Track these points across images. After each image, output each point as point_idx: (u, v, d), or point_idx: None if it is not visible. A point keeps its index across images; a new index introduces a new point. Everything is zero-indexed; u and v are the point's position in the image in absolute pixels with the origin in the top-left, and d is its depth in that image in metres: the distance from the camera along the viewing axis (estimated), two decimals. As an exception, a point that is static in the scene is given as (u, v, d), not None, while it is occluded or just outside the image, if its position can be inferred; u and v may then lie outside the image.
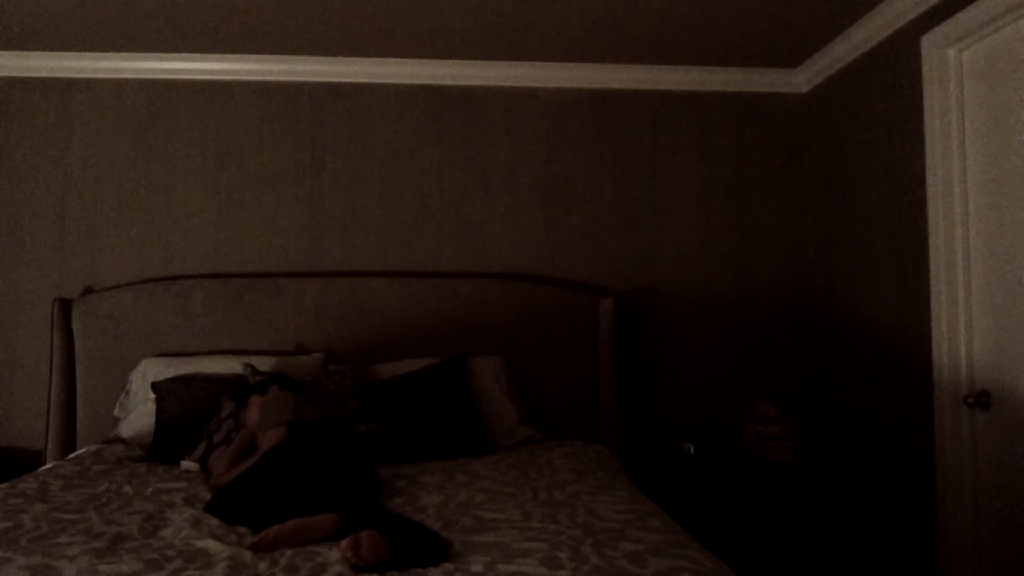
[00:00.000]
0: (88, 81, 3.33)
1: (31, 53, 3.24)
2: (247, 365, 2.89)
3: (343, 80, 3.39)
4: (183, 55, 3.29)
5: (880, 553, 2.92)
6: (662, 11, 2.84)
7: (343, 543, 1.59)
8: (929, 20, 2.57)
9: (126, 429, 2.91)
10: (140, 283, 3.24)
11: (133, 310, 3.14)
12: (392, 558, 1.55)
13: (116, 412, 3.02)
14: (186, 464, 2.51)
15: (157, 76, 3.34)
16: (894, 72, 2.81)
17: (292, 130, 3.39)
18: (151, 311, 3.14)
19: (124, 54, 3.27)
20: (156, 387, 2.87)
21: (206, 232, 3.35)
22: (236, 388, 2.73)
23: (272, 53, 3.28)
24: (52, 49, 3.22)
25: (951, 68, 2.52)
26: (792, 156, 3.56)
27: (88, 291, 3.27)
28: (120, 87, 3.35)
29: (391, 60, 3.35)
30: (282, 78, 3.37)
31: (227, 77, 3.36)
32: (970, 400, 2.38)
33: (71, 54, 3.26)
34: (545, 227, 3.45)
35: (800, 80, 3.51)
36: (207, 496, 2.12)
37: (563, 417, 3.16)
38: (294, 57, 3.32)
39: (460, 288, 3.24)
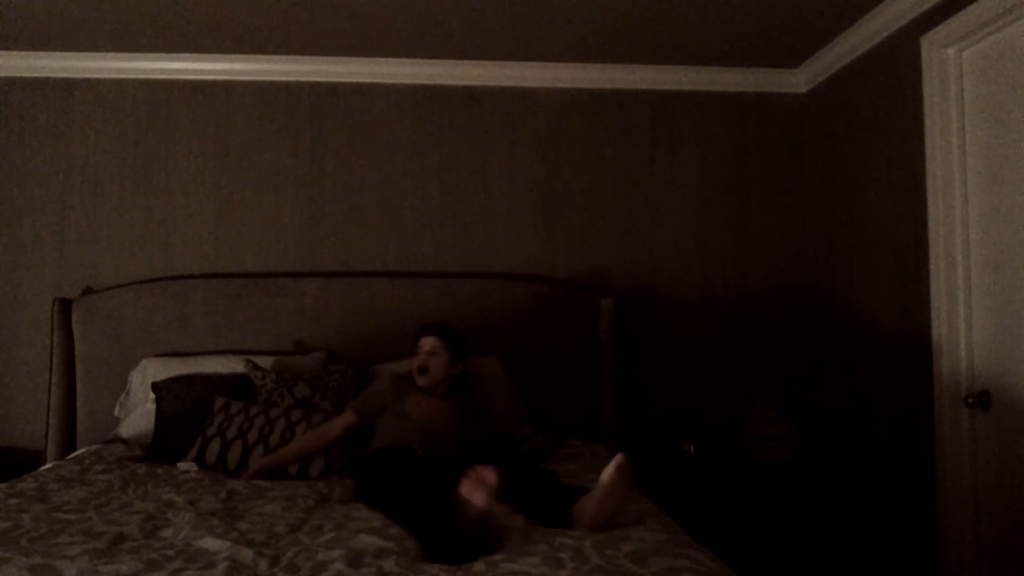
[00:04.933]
0: (88, 81, 3.33)
1: (31, 53, 3.24)
2: (248, 361, 2.89)
3: (343, 80, 3.39)
4: (183, 55, 3.29)
5: (880, 553, 2.92)
6: (662, 11, 2.84)
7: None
8: (929, 20, 2.57)
9: (126, 429, 2.91)
10: (140, 283, 3.24)
11: (133, 310, 3.14)
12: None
13: (116, 412, 3.02)
14: (183, 465, 2.50)
15: (157, 76, 3.34)
16: (894, 72, 2.81)
17: (292, 130, 3.39)
18: (151, 311, 3.14)
19: (124, 54, 3.27)
20: (156, 387, 2.86)
21: (206, 232, 3.35)
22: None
23: (272, 53, 3.28)
24: (52, 49, 3.22)
25: (951, 68, 2.52)
26: (792, 156, 3.56)
27: (88, 291, 3.26)
28: (120, 87, 3.35)
29: (391, 60, 3.34)
30: (282, 78, 3.37)
31: (227, 77, 3.36)
32: (970, 400, 2.38)
33: (71, 54, 3.26)
34: (545, 227, 3.45)
35: (800, 80, 3.51)
36: (207, 497, 2.12)
37: (563, 417, 3.16)
38: (294, 57, 3.32)
39: (460, 288, 3.24)
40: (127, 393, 3.02)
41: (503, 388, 3.03)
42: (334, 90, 3.40)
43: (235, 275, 3.31)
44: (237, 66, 3.33)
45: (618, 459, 1.80)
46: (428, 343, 2.56)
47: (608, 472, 1.79)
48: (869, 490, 3.01)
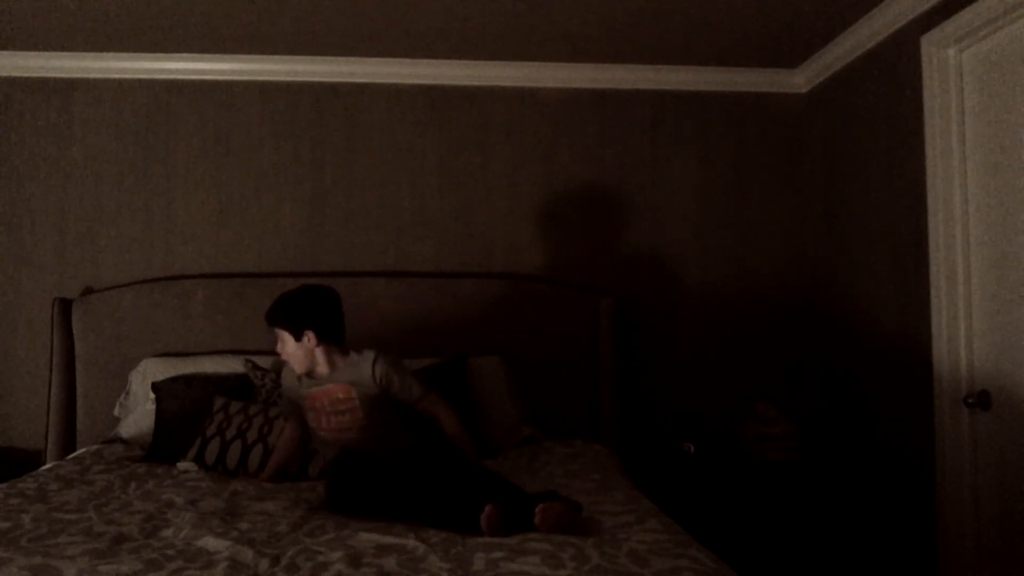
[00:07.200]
0: (88, 81, 3.33)
1: (31, 53, 3.24)
2: (248, 361, 2.89)
3: (343, 80, 3.39)
4: (183, 55, 3.29)
5: (880, 553, 2.92)
6: (662, 11, 2.84)
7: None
8: (929, 20, 2.57)
9: (126, 429, 2.91)
10: (140, 283, 3.24)
11: (133, 310, 3.14)
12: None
13: (116, 412, 3.02)
14: (183, 465, 2.50)
15: (157, 76, 3.34)
16: (894, 72, 2.81)
17: (292, 130, 3.39)
18: (151, 311, 3.14)
19: (124, 54, 3.27)
20: (156, 387, 2.87)
21: (206, 232, 3.35)
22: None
23: (272, 53, 3.28)
24: (52, 49, 3.22)
25: (951, 68, 2.52)
26: (792, 156, 3.56)
27: (88, 291, 3.26)
28: (120, 87, 3.34)
29: (391, 60, 3.34)
30: (282, 78, 3.37)
31: (227, 77, 3.36)
32: (970, 400, 2.38)
33: (71, 54, 3.26)
34: (545, 227, 3.45)
35: (800, 80, 3.51)
36: (207, 497, 2.12)
37: (563, 417, 3.16)
38: (294, 57, 3.31)
39: (460, 288, 3.24)
40: (127, 393, 3.02)
41: (503, 388, 3.03)
42: (334, 90, 3.40)
43: (235, 275, 3.31)
44: (237, 66, 3.33)
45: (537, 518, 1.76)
46: (275, 335, 2.46)
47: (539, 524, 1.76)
48: (869, 490, 3.01)
